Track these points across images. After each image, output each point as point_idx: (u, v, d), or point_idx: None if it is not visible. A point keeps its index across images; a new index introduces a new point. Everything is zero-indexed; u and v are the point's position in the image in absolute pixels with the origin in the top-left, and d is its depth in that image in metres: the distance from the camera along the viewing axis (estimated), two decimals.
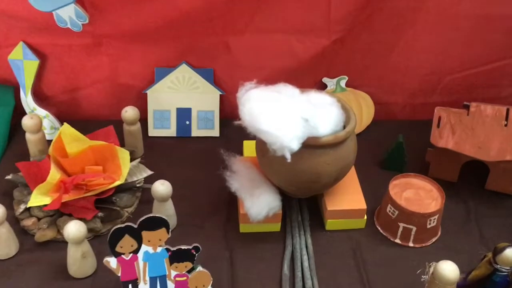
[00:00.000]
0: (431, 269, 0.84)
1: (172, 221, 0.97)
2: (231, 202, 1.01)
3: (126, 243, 0.79)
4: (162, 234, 0.80)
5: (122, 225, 0.78)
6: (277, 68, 1.16)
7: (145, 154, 1.14)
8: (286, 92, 0.90)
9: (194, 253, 0.82)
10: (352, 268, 0.94)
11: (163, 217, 0.79)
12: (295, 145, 0.83)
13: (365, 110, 1.22)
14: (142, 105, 1.17)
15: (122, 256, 0.80)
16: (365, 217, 1.00)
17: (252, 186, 0.96)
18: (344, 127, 0.91)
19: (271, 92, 0.89)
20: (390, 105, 1.26)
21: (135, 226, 0.78)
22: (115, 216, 0.96)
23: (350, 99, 1.20)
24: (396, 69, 1.20)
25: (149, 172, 1.04)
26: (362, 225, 1.01)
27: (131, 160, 1.04)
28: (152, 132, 1.19)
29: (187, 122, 1.19)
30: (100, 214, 0.94)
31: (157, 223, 0.79)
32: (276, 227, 0.99)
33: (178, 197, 1.03)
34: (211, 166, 1.04)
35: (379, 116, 1.24)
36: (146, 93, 1.17)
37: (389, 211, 0.97)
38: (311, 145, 0.87)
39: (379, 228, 1.01)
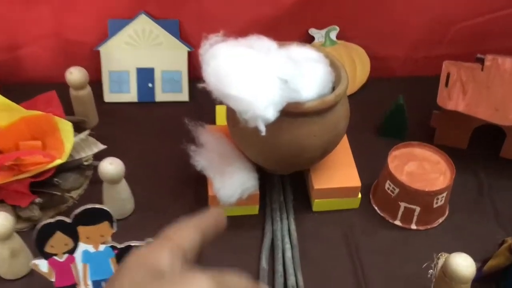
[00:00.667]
0: (440, 262, 0.69)
1: (127, 207, 0.81)
2: (201, 180, 0.84)
3: (58, 241, 0.63)
4: (104, 229, 0.64)
5: (52, 220, 0.62)
6: (255, 18, 0.98)
7: (99, 124, 0.97)
8: (260, 47, 0.71)
9: None
10: (344, 257, 0.79)
11: (105, 208, 0.63)
12: (271, 114, 0.65)
13: (359, 67, 1.04)
14: (95, 65, 0.99)
15: (55, 257, 0.64)
16: (359, 195, 0.84)
17: (223, 163, 0.79)
18: (334, 88, 0.74)
19: (241, 47, 0.71)
20: (388, 60, 1.08)
21: (69, 221, 0.62)
22: (57, 202, 0.80)
23: (341, 54, 1.02)
24: (395, 17, 1.02)
25: (101, 147, 0.87)
26: (355, 205, 0.85)
27: (82, 131, 0.87)
28: (108, 97, 1.01)
29: (150, 85, 1.01)
30: (37, 200, 0.78)
31: (97, 215, 0.63)
32: (254, 209, 0.83)
33: (137, 176, 0.87)
34: (178, 138, 0.86)
35: (375, 73, 1.07)
36: (99, 51, 0.98)
37: (388, 188, 0.81)
38: (292, 112, 0.69)
39: (376, 208, 0.85)
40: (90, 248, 0.65)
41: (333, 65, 0.75)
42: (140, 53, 0.99)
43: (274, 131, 0.70)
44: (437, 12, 1.01)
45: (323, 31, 1.04)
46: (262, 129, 0.65)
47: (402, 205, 0.81)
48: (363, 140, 0.95)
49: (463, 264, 0.64)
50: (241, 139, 0.77)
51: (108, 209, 0.63)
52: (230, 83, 0.67)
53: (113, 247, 0.65)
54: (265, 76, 0.67)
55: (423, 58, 1.07)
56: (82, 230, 0.63)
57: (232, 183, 0.77)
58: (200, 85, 0.71)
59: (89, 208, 0.62)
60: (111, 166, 0.75)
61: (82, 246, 0.65)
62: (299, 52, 0.74)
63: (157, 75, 1.00)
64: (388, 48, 1.07)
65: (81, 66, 0.90)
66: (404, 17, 1.02)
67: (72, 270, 0.66)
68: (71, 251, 0.64)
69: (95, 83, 1.00)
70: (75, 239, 0.64)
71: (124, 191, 0.79)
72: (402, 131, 0.95)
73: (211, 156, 0.80)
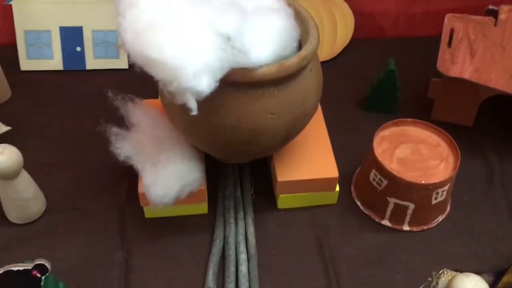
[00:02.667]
0: (441, 283, 0.51)
1: (33, 208, 0.62)
2: (134, 171, 0.64)
3: None
4: None
5: None
6: None
7: (12, 98, 0.77)
8: None
9: (39, 275, 0.47)
10: (317, 268, 0.61)
11: None
12: (205, 84, 0.46)
13: (340, 25, 0.84)
14: (7, 24, 0.79)
15: None
16: (337, 188, 0.65)
17: (156, 149, 0.60)
18: (300, 49, 0.54)
19: None
20: (376, 17, 0.90)
21: None
22: None
23: (317, 9, 0.83)
24: None
25: (4, 129, 0.67)
26: (332, 201, 0.67)
27: None
28: (26, 64, 0.81)
29: (78, 49, 0.80)
30: None
31: None
32: (201, 208, 0.65)
33: (53, 167, 0.68)
34: (109, 116, 0.66)
35: (360, 33, 0.88)
36: (10, 6, 0.77)
37: (374, 179, 0.63)
38: (238, 82, 0.50)
39: (358, 204, 0.67)
40: None
41: (299, 16, 0.55)
42: (64, 8, 0.78)
43: (214, 109, 0.51)
44: None
45: None
46: (193, 106, 0.46)
47: (392, 201, 0.62)
48: (342, 116, 0.77)
49: None
50: (175, 119, 0.57)
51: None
52: (149, 42, 0.47)
53: None
54: (197, 30, 0.47)
55: (420, 14, 0.89)
56: None
57: (167, 176, 0.58)
58: (116, 45, 0.52)
59: None
60: (1, 157, 0.56)
61: None
62: None
63: (87, 36, 0.80)
64: (377, 2, 0.88)
65: None
66: None
67: None
68: None
69: (9, 47, 0.80)
70: None
71: (25, 188, 0.60)
72: (392, 105, 0.77)
73: (142, 140, 0.61)
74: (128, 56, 0.49)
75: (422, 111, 0.76)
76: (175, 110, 0.55)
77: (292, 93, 0.53)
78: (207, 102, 0.47)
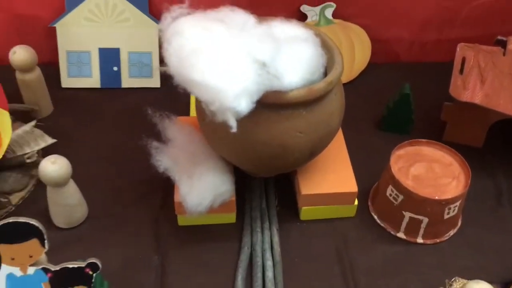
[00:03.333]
0: None
1: (77, 214, 0.67)
2: (170, 184, 0.69)
3: None
4: (33, 247, 0.51)
5: None
6: None
7: (54, 113, 0.83)
8: (233, 22, 0.58)
9: (91, 273, 0.53)
10: (337, 276, 0.66)
11: (32, 222, 0.50)
12: (244, 105, 0.52)
13: (358, 50, 0.90)
14: (51, 44, 0.86)
15: None
16: (356, 202, 0.70)
17: (192, 162, 0.66)
18: (325, 74, 0.60)
19: (210, 22, 0.57)
20: (392, 43, 0.95)
21: None
22: None
23: (338, 35, 0.88)
24: None
25: (50, 141, 0.73)
26: (351, 214, 0.72)
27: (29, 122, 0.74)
28: (66, 82, 0.87)
29: (115, 68, 0.87)
30: None
31: (23, 231, 0.50)
32: (230, 217, 0.70)
33: (93, 177, 0.74)
34: (145, 131, 0.72)
35: (377, 58, 0.93)
36: (55, 28, 0.84)
37: (390, 194, 0.68)
38: (272, 103, 0.56)
39: (375, 217, 0.72)
40: (17, 272, 0.52)
41: (325, 45, 0.61)
42: (103, 31, 0.85)
43: (249, 127, 0.57)
44: None
45: (317, 8, 0.89)
46: (233, 124, 0.52)
47: (407, 215, 0.67)
48: (361, 136, 0.82)
49: None
50: (211, 135, 0.63)
51: (36, 224, 0.50)
52: (194, 66, 0.53)
53: (45, 270, 0.52)
54: (237, 57, 0.53)
55: (433, 41, 0.94)
56: (4, 249, 0.50)
57: (202, 187, 0.64)
58: (162, 68, 0.58)
59: (11, 223, 0.49)
60: (53, 166, 0.61)
61: (5, 269, 0.52)
62: (282, 29, 0.60)
63: (123, 57, 0.86)
64: (392, 29, 0.93)
65: (34, 46, 0.77)
66: None
67: None
68: None
69: (51, 65, 0.87)
70: None
71: (72, 195, 0.65)
72: (407, 126, 0.82)
73: (178, 154, 0.67)
74: (162, 77, 0.55)
75: (434, 133, 0.81)
76: (211, 127, 0.61)
77: (318, 115, 0.59)
78: (243, 121, 0.53)
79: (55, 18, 0.84)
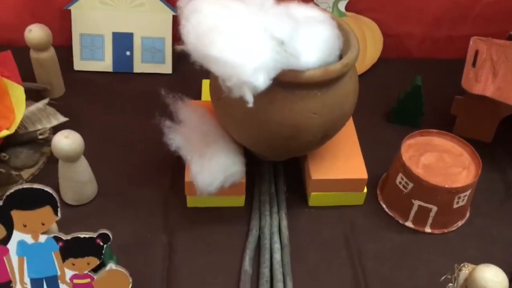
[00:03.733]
0: (463, 275, 0.56)
1: (87, 191, 0.68)
2: (179, 164, 0.70)
3: None
4: (45, 215, 0.51)
5: None
6: None
7: (66, 94, 0.84)
8: (252, 0, 0.58)
9: (101, 243, 0.53)
10: (344, 262, 0.66)
11: (46, 188, 0.50)
12: (261, 81, 0.52)
13: (370, 44, 0.91)
14: (65, 27, 0.86)
15: None
16: (365, 190, 0.71)
17: (203, 143, 0.66)
18: (341, 57, 0.61)
19: (229, 0, 0.57)
20: (404, 38, 0.95)
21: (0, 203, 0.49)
22: (4, 181, 0.66)
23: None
24: None
25: (62, 119, 0.74)
26: (360, 201, 0.72)
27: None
28: (79, 64, 0.87)
29: (128, 53, 0.87)
30: None
31: (37, 198, 0.50)
32: (239, 200, 0.70)
33: (103, 155, 0.75)
34: (159, 111, 0.72)
35: (388, 53, 0.94)
36: (69, 10, 0.85)
37: (400, 182, 0.68)
38: (287, 82, 0.56)
39: (383, 206, 0.72)
40: (28, 239, 0.52)
41: (341, 28, 0.62)
42: (117, 15, 0.85)
43: (264, 104, 0.57)
44: None
45: (331, 1, 0.90)
46: (249, 99, 0.52)
47: (416, 203, 0.67)
48: (371, 126, 0.82)
49: (494, 280, 0.51)
50: (224, 115, 0.63)
51: (50, 191, 0.50)
52: (212, 42, 0.54)
53: (57, 239, 0.52)
54: (256, 34, 0.54)
55: (445, 37, 0.94)
56: (17, 215, 0.50)
57: (213, 167, 0.64)
58: (179, 47, 0.59)
59: (25, 188, 0.49)
60: (66, 141, 0.62)
61: (17, 236, 0.52)
62: (300, 10, 0.61)
63: (137, 42, 0.87)
64: (404, 24, 0.93)
65: (48, 27, 0.77)
66: None
67: (5, 265, 0.53)
68: (4, 241, 0.51)
69: (65, 48, 0.87)
70: (9, 226, 0.51)
71: (83, 172, 0.66)
72: (416, 118, 0.82)
73: (190, 134, 0.67)
74: (174, 63, 0.55)
75: (444, 127, 0.80)
76: (226, 106, 0.61)
77: (333, 96, 0.59)
78: (258, 99, 0.53)
79: (70, 1, 0.84)
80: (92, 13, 0.85)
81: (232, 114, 0.61)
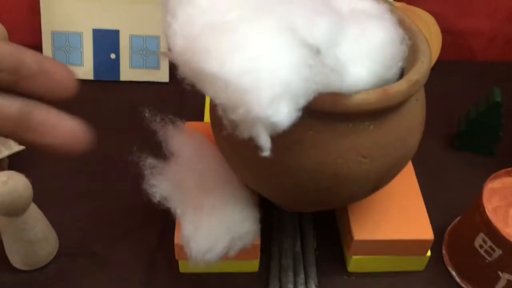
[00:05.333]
0: None
1: (42, 252, 0.49)
2: (170, 214, 0.51)
3: None
4: None
5: None
6: None
7: None
8: None
9: None
10: None
11: None
12: (284, 114, 0.32)
13: None
14: (33, 22, 0.68)
15: None
16: (429, 253, 0.50)
17: (200, 189, 0.47)
18: (403, 72, 0.40)
19: None
20: (468, 36, 0.75)
21: None
22: None
23: None
24: None
25: (15, 148, 0.55)
26: (419, 267, 0.52)
27: None
28: None
29: (113, 56, 0.68)
30: None
31: None
32: (251, 265, 0.51)
33: (70, 199, 0.56)
34: (147, 138, 0.53)
35: (448, 54, 0.73)
36: (38, 2, 0.66)
37: (482, 246, 0.48)
38: (325, 112, 0.36)
39: (453, 274, 0.52)
40: None
41: (406, 27, 0.42)
42: (99, 7, 0.67)
43: (288, 146, 0.37)
44: None
45: None
46: (265, 143, 0.32)
47: (505, 277, 0.47)
48: (427, 156, 0.62)
49: None
50: (230, 154, 0.44)
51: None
52: (208, 50, 0.34)
53: None
54: (276, 39, 0.34)
55: None
56: None
57: (214, 225, 0.45)
58: (163, 53, 0.39)
59: None
60: (3, 189, 0.43)
61: None
62: (344, 0, 0.40)
63: (124, 42, 0.68)
64: (470, 19, 0.73)
65: (11, 24, 0.59)
66: None
67: None
68: None
69: (33, 49, 0.68)
70: None
71: (33, 227, 0.47)
72: (491, 144, 0.62)
73: (183, 176, 0.48)
74: (172, 68, 0.36)
75: None
76: (231, 144, 0.42)
77: (392, 131, 0.39)
78: (280, 137, 0.34)
79: None
80: (67, 5, 0.66)
81: (242, 154, 0.41)
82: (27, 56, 0.24)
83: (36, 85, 0.24)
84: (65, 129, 0.26)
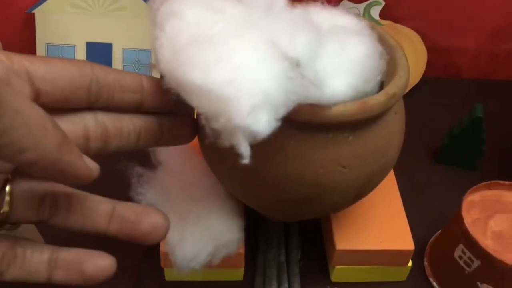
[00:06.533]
0: None
1: None
2: None
3: None
4: None
5: None
6: None
7: None
8: (256, 0, 0.40)
9: None
10: None
11: None
12: (263, 123, 0.33)
13: (411, 61, 0.70)
14: (27, 35, 0.69)
15: None
16: (410, 263, 0.51)
17: (187, 198, 0.48)
18: (382, 84, 0.42)
19: (222, 0, 0.39)
20: (454, 53, 0.76)
21: None
22: None
23: None
24: None
25: None
26: (401, 277, 0.53)
27: None
28: None
29: None
30: None
31: None
32: (236, 274, 0.52)
33: None
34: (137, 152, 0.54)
35: (433, 71, 0.75)
36: (33, 15, 0.68)
37: (461, 257, 0.49)
38: (305, 122, 0.38)
39: (434, 285, 0.53)
40: None
41: (385, 42, 0.43)
42: (92, 21, 0.68)
43: (269, 156, 0.39)
44: None
45: (361, 6, 0.72)
46: (244, 151, 0.33)
47: (483, 287, 0.48)
48: (411, 170, 0.63)
49: None
50: (214, 164, 0.45)
51: None
52: (192, 61, 0.35)
53: None
54: (258, 51, 0.35)
55: (507, 52, 0.75)
56: None
57: (198, 234, 0.46)
58: (149, 66, 0.41)
59: None
60: None
61: None
62: (325, 16, 0.42)
63: (117, 55, 0.69)
64: (455, 36, 0.74)
65: (5, 36, 0.61)
66: None
67: None
68: None
69: None
70: None
71: (21, 234, 0.48)
72: (474, 159, 0.63)
73: (170, 185, 0.49)
74: (162, 79, 0.37)
75: (502, 168, 0.62)
76: (215, 153, 0.43)
77: (371, 142, 0.40)
78: (260, 147, 0.35)
79: (34, 3, 0.67)
80: (61, 18, 0.68)
81: (224, 165, 0.43)
82: None
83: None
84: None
